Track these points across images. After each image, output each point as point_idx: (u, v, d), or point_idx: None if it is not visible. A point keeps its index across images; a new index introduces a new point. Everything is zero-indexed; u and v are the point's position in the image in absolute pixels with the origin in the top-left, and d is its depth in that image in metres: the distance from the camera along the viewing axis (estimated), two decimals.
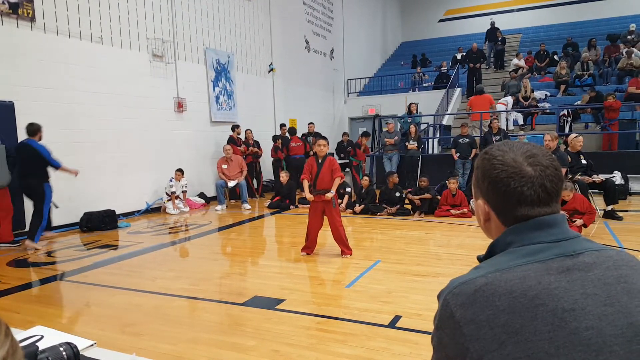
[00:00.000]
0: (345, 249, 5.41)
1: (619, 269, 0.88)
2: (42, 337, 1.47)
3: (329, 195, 5.31)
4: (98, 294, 4.28)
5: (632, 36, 15.36)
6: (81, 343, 1.41)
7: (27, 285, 4.66)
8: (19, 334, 1.52)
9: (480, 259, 0.97)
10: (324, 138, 5.58)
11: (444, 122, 14.29)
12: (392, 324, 3.34)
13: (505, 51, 17.97)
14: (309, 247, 5.54)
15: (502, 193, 0.93)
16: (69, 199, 7.57)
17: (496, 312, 0.82)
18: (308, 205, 5.60)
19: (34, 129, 6.42)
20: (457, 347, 0.84)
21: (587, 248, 0.90)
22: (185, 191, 9.43)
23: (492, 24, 19.05)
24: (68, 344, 1.33)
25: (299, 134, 12.37)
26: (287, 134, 11.95)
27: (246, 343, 3.08)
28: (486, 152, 1.00)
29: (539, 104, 13.28)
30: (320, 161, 5.46)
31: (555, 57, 16.31)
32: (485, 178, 0.97)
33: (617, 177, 9.22)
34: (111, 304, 3.97)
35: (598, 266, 0.87)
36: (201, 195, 10.29)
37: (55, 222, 7.42)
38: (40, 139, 6.46)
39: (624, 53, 14.06)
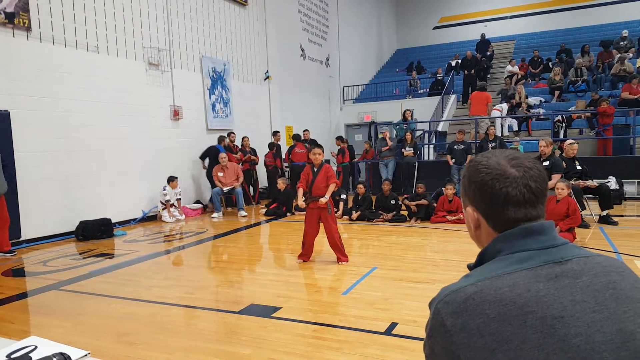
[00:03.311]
0: (341, 255, 5.41)
1: (608, 275, 0.89)
2: (36, 347, 1.47)
3: (323, 200, 5.32)
4: (93, 303, 4.26)
5: (625, 42, 15.52)
6: (75, 353, 1.41)
7: (23, 295, 4.63)
8: (13, 345, 1.51)
9: (471, 267, 0.98)
10: (319, 146, 5.60)
11: (440, 129, 14.36)
12: (388, 331, 3.33)
13: (490, 67, 17.92)
14: (305, 254, 5.54)
15: (489, 195, 0.95)
16: (64, 207, 7.55)
17: (486, 320, 0.83)
18: (304, 212, 5.61)
19: (219, 138, 10.40)
20: (449, 355, 0.85)
21: (576, 255, 0.91)
22: (180, 199, 9.41)
23: (482, 36, 19.07)
24: (61, 354, 1.33)
25: (292, 142, 12.40)
26: (279, 142, 12.04)
27: (242, 351, 3.08)
28: (472, 160, 1.04)
29: (532, 110, 13.37)
30: (316, 169, 5.49)
31: (550, 63, 16.43)
32: (471, 183, 0.99)
33: (612, 182, 9.28)
34: (107, 313, 3.95)
35: (586, 273, 0.88)
36: (198, 203, 10.27)
37: (51, 230, 7.41)
38: (224, 147, 10.29)
39: (617, 59, 14.20)
